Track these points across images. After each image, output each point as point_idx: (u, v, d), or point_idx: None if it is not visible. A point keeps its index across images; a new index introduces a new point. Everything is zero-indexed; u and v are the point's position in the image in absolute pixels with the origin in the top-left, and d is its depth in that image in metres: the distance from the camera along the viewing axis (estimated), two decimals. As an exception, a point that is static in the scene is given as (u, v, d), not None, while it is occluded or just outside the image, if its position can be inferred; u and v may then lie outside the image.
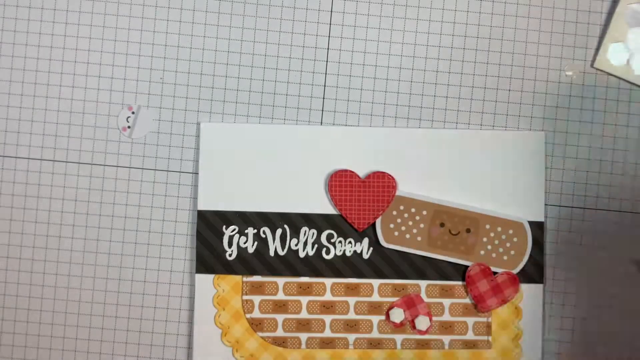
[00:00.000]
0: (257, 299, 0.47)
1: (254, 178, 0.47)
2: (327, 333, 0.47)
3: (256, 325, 0.47)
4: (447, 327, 0.47)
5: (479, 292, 0.47)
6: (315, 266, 0.47)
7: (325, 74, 0.48)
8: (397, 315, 0.47)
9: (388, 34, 0.48)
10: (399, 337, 0.47)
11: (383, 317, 0.47)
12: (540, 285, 0.47)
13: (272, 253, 0.47)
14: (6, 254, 0.48)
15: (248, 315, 0.47)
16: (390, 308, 0.47)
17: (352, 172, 0.47)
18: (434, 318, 0.47)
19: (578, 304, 0.48)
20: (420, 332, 0.47)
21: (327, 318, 0.47)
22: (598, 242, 0.48)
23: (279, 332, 0.47)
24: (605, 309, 0.48)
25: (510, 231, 0.47)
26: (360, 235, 0.47)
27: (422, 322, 0.47)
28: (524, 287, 0.47)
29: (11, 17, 0.48)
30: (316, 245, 0.47)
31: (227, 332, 0.47)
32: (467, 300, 0.47)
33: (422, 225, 0.47)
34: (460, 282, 0.47)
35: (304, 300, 0.48)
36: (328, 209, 0.47)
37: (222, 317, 0.47)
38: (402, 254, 0.47)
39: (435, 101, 0.48)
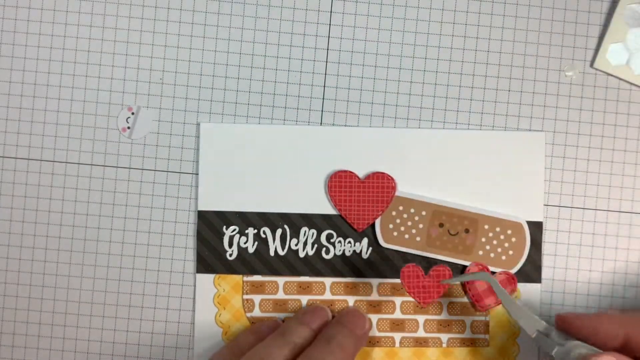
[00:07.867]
0: (257, 298, 0.48)
1: (254, 178, 0.47)
2: (327, 332, 0.47)
3: (256, 324, 0.48)
4: (445, 326, 0.47)
5: (477, 291, 0.47)
6: (315, 266, 0.48)
7: (325, 74, 0.48)
8: None
9: (388, 34, 0.48)
10: (397, 335, 0.47)
11: (382, 316, 0.47)
12: (538, 285, 0.48)
13: (272, 253, 0.48)
14: (6, 254, 0.48)
15: (249, 314, 0.48)
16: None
17: (352, 172, 0.47)
18: (433, 317, 0.47)
19: (576, 305, 0.48)
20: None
21: (327, 317, 0.48)
22: (597, 242, 0.48)
23: (279, 331, 0.48)
24: (603, 311, 0.48)
25: (509, 231, 0.47)
26: (360, 235, 0.47)
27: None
28: (521, 286, 0.47)
29: (11, 17, 0.48)
30: (316, 245, 0.48)
31: (228, 331, 0.47)
32: (465, 300, 0.48)
33: (421, 226, 0.47)
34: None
35: (304, 299, 0.48)
36: (328, 209, 0.47)
37: (222, 317, 0.47)
38: (401, 254, 0.47)
39: (435, 101, 0.48)
